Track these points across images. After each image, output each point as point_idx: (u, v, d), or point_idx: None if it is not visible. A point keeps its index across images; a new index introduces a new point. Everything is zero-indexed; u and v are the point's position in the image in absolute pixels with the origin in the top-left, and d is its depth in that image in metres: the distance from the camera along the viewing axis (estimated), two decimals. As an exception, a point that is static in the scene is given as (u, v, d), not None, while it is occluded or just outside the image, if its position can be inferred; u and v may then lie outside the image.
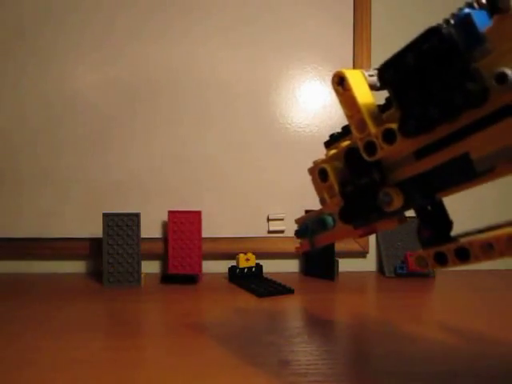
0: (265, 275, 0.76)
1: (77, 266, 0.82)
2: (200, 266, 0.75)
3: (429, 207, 0.28)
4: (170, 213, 0.76)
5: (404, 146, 0.25)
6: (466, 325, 0.50)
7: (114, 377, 0.35)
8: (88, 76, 0.82)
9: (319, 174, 0.32)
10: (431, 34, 0.21)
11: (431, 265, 0.27)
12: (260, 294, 0.63)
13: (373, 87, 0.28)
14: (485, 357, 0.40)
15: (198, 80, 0.83)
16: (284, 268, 0.83)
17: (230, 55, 0.83)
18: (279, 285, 0.68)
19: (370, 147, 0.26)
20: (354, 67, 0.84)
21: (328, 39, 0.83)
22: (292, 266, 0.84)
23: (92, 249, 0.80)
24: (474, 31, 0.20)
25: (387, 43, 0.85)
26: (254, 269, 0.75)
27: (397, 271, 0.77)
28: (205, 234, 0.80)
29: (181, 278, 0.72)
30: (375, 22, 0.85)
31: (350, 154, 0.29)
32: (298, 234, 0.39)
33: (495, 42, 0.19)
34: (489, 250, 0.24)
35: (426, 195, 0.26)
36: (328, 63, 0.84)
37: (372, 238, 0.85)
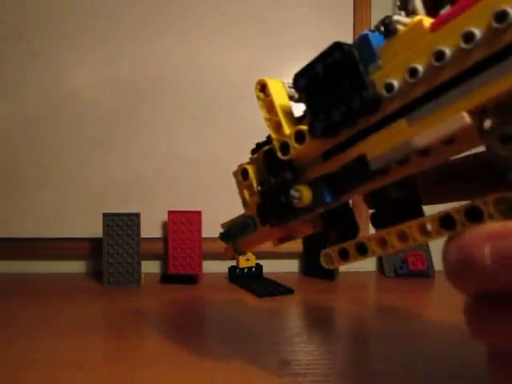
0: (265, 275, 0.76)
1: (77, 266, 0.82)
2: (200, 266, 0.75)
3: (336, 210, 0.31)
4: (170, 213, 0.76)
5: (313, 147, 0.27)
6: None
7: (113, 377, 0.35)
8: (89, 75, 0.82)
9: (241, 174, 0.35)
10: (336, 48, 0.25)
11: (336, 261, 0.29)
12: (260, 294, 0.63)
13: (291, 98, 0.31)
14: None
15: (198, 80, 0.83)
16: (284, 268, 0.83)
17: (230, 55, 0.83)
18: (279, 285, 0.68)
19: (284, 147, 0.29)
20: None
21: (328, 39, 0.83)
22: (292, 266, 0.84)
23: (92, 249, 0.80)
24: (369, 49, 0.24)
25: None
26: (254, 269, 0.75)
27: (397, 271, 0.77)
28: (205, 234, 0.80)
29: (181, 278, 0.72)
30: (375, 22, 0.84)
31: (268, 154, 0.31)
32: (221, 237, 0.40)
33: (385, 58, 0.23)
34: (384, 244, 0.26)
35: (334, 194, 0.28)
36: (328, 63, 0.84)
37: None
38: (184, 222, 0.76)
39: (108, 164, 0.82)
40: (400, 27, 0.23)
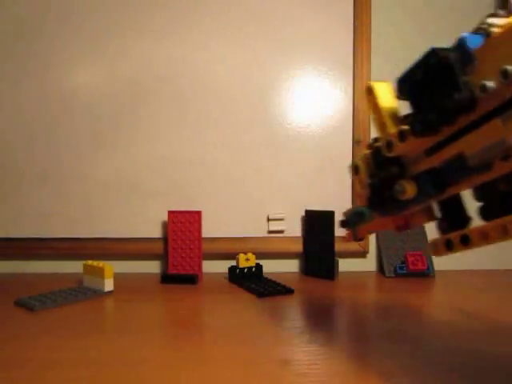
0: (265, 275, 0.76)
1: (77, 266, 0.81)
2: (200, 266, 0.75)
3: (448, 203, 0.33)
4: (170, 213, 0.76)
5: (414, 145, 0.31)
6: (465, 324, 0.50)
7: (113, 377, 0.35)
8: (87, 76, 0.82)
9: (353, 168, 0.39)
10: (431, 55, 0.27)
11: (442, 250, 0.32)
12: (260, 294, 0.63)
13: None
14: (485, 356, 0.40)
15: (198, 80, 0.83)
16: (284, 268, 0.83)
17: (230, 55, 0.83)
18: (279, 285, 0.68)
19: (389, 145, 0.32)
20: (354, 67, 0.84)
21: (328, 39, 0.83)
22: (292, 266, 0.84)
23: (92, 249, 0.80)
24: (466, 52, 0.25)
25: (387, 43, 0.85)
26: (253, 269, 0.75)
27: (397, 271, 0.77)
28: (205, 234, 0.80)
29: (181, 278, 0.72)
30: (375, 22, 0.85)
31: (377, 151, 0.35)
32: (341, 224, 0.44)
33: (481, 60, 0.25)
34: (485, 237, 0.28)
35: (437, 188, 0.31)
36: (328, 63, 0.84)
37: (372, 238, 0.85)
38: (184, 222, 0.76)
39: (108, 164, 0.81)
40: (495, 29, 0.24)
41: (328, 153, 0.84)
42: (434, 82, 0.27)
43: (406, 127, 0.30)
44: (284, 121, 0.83)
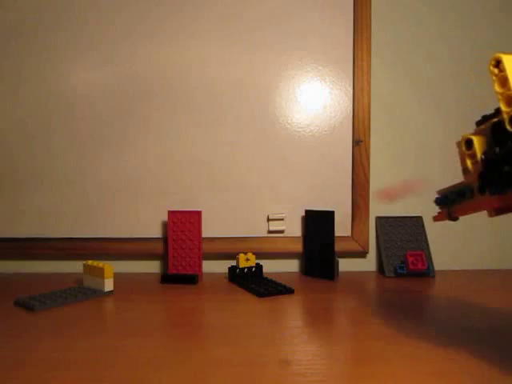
0: (265, 275, 0.76)
1: (77, 266, 0.81)
2: (200, 266, 0.75)
3: None
4: (170, 213, 0.76)
5: None
6: (466, 324, 0.50)
7: (113, 377, 0.35)
8: (85, 76, 0.82)
9: (465, 143, 0.38)
10: None
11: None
12: (260, 294, 0.63)
13: None
14: (486, 355, 0.40)
15: (198, 80, 0.83)
16: (284, 268, 0.83)
17: (229, 56, 0.83)
18: (279, 285, 0.68)
19: None
20: (354, 67, 0.84)
21: (328, 39, 0.83)
22: (292, 265, 0.84)
23: (92, 249, 0.80)
24: None
25: (387, 43, 0.85)
26: (254, 269, 0.75)
27: (397, 271, 0.77)
28: (205, 234, 0.80)
29: (181, 278, 0.72)
30: (375, 22, 0.85)
31: (497, 126, 0.34)
32: (437, 201, 0.44)
33: None
34: None
35: None
36: (328, 63, 0.84)
37: (372, 238, 0.85)
38: (184, 222, 0.76)
39: (107, 164, 0.81)
40: None
41: (328, 153, 0.84)
42: None
43: None
44: (284, 121, 0.83)
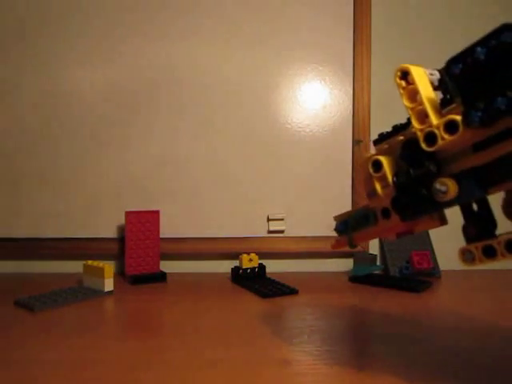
0: (268, 275, 0.75)
1: (77, 266, 0.81)
2: (158, 264, 0.76)
3: (474, 206, 0.30)
4: (128, 213, 0.74)
5: (465, 138, 0.26)
6: (467, 324, 0.50)
7: (113, 377, 0.35)
8: (85, 77, 0.81)
9: (373, 165, 0.33)
10: (504, 29, 0.23)
11: (479, 258, 0.28)
12: (264, 295, 0.62)
13: (433, 86, 0.29)
14: (486, 356, 0.40)
15: (198, 80, 0.82)
16: (284, 268, 0.83)
17: (229, 55, 0.83)
18: (283, 285, 0.68)
19: (430, 138, 0.28)
20: (354, 67, 0.84)
21: (328, 39, 0.83)
22: (292, 265, 0.84)
23: (92, 249, 0.80)
24: None
25: (387, 43, 0.85)
26: (257, 269, 0.74)
27: (402, 271, 0.77)
28: (205, 234, 0.80)
29: (151, 278, 0.72)
30: (375, 22, 0.85)
31: (408, 145, 0.30)
32: (337, 230, 0.40)
33: None
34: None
35: (480, 188, 0.27)
36: (328, 63, 0.84)
37: (375, 239, 0.84)
38: (143, 222, 0.75)
39: (107, 164, 0.81)
40: None
41: (328, 153, 0.84)
42: (500, 63, 0.23)
43: (457, 117, 0.26)
44: (284, 121, 0.83)
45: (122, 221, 0.79)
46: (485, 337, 0.45)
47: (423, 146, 0.28)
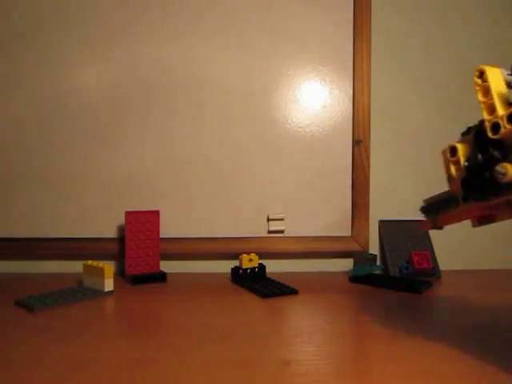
0: (267, 275, 0.75)
1: (77, 266, 0.81)
2: (158, 264, 0.75)
3: None
4: (128, 213, 0.74)
5: None
6: (467, 324, 0.50)
7: (113, 377, 0.35)
8: (81, 76, 0.81)
9: (450, 150, 0.39)
10: None
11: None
12: (264, 295, 0.62)
13: (508, 84, 0.34)
14: (487, 356, 0.40)
15: (198, 81, 0.82)
16: (284, 268, 0.83)
17: (229, 55, 0.83)
18: (283, 285, 0.68)
19: (496, 127, 0.32)
20: (354, 67, 0.84)
21: (328, 39, 0.83)
22: (292, 265, 0.84)
23: (92, 249, 0.80)
24: None
25: (387, 43, 0.85)
26: (257, 269, 0.74)
27: (402, 271, 0.77)
28: (205, 234, 0.80)
29: (151, 278, 0.72)
30: (375, 22, 0.85)
31: (479, 134, 0.35)
32: (423, 210, 0.45)
33: None
34: None
35: None
36: (328, 63, 0.84)
37: (375, 239, 0.85)
38: (143, 222, 0.75)
39: (107, 164, 0.81)
40: None
41: (328, 153, 0.84)
42: None
43: None
44: (284, 121, 0.83)
45: (122, 221, 0.79)
46: (485, 337, 0.45)
47: (489, 134, 0.33)
